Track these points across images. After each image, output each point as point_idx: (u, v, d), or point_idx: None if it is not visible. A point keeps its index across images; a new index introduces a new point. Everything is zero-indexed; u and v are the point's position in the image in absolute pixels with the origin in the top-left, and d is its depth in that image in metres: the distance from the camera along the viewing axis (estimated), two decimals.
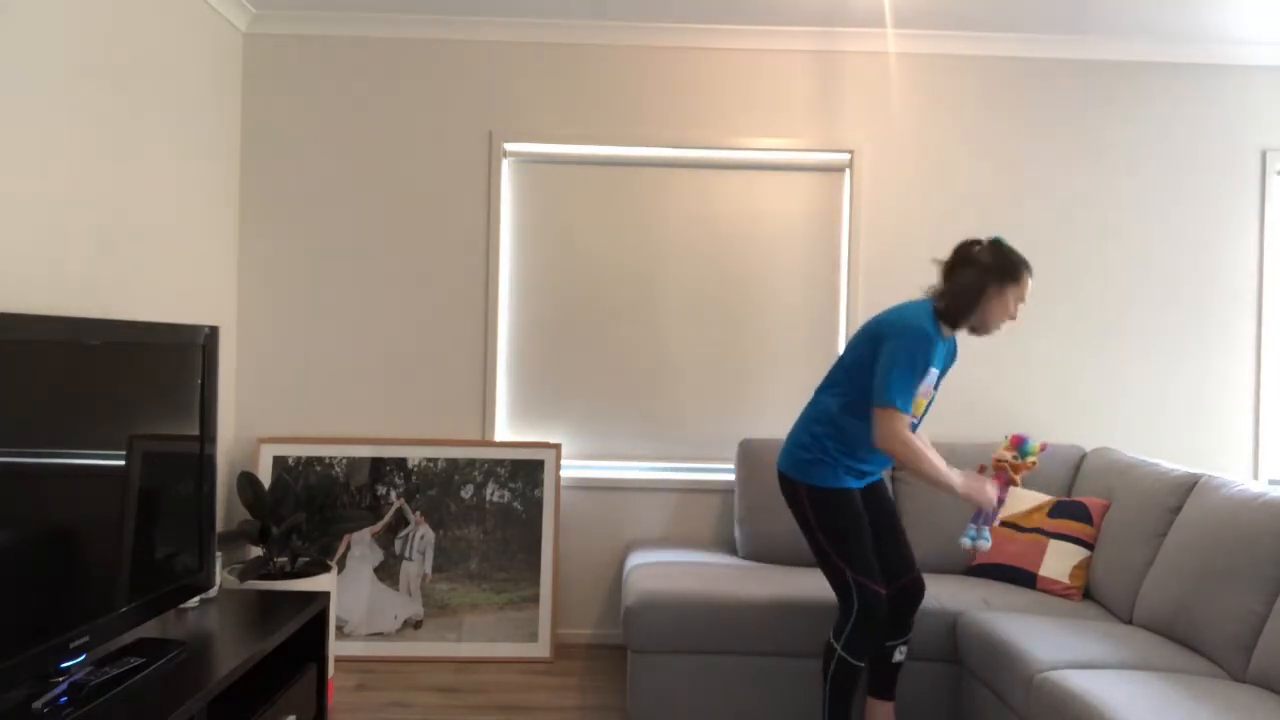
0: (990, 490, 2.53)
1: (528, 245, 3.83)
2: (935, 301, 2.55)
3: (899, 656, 2.70)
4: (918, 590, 2.71)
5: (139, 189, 2.97)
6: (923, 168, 3.82)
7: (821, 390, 2.68)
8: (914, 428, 2.61)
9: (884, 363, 2.45)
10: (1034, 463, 2.70)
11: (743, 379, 3.84)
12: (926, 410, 2.71)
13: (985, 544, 2.59)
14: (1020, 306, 2.53)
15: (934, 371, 2.59)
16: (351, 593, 3.59)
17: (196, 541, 2.45)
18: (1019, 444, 2.87)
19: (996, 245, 2.51)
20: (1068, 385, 3.84)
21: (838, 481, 2.59)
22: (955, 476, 2.52)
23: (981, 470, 2.73)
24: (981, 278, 2.48)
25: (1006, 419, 3.82)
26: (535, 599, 3.62)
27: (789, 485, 2.64)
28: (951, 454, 3.52)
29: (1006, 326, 3.81)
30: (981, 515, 2.61)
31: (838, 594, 2.58)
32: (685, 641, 2.90)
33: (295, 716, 2.52)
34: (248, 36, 3.75)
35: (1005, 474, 2.76)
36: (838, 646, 2.56)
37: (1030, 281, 2.52)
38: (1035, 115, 3.82)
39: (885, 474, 3.52)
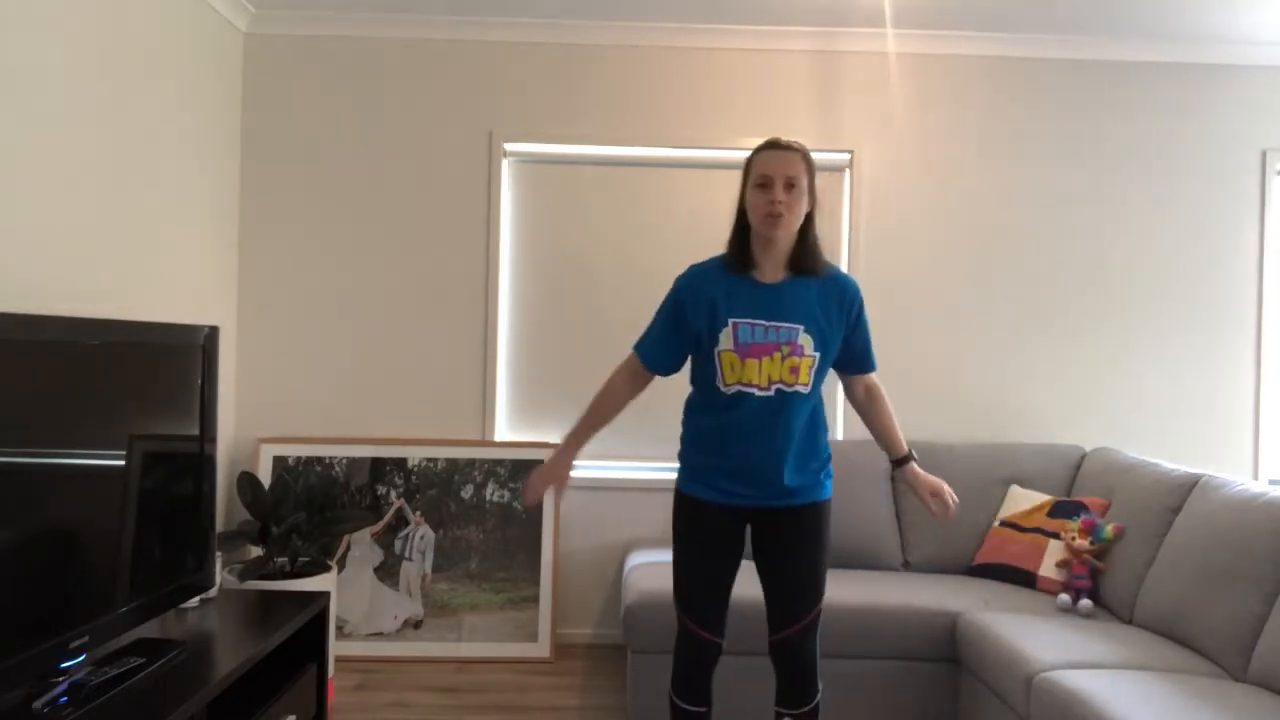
0: (539, 493, 2.25)
1: (528, 245, 3.83)
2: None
3: None
4: (787, 651, 2.18)
5: (139, 189, 2.97)
6: (923, 168, 3.82)
7: None
8: (784, 402, 2.09)
9: None
10: (1109, 544, 2.92)
11: None
12: (813, 383, 2.11)
13: (1086, 604, 2.85)
14: (779, 188, 2.03)
15: (754, 324, 2.08)
16: (351, 593, 3.59)
17: (196, 541, 2.45)
18: (1091, 529, 2.95)
19: None
20: (1068, 385, 3.84)
21: (683, 484, 2.23)
22: (558, 455, 2.25)
23: (1062, 564, 3.01)
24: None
25: (1007, 419, 3.82)
26: (535, 599, 3.62)
27: None
28: (951, 454, 3.52)
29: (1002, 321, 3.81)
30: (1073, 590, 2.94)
31: None
32: None
33: (295, 716, 2.52)
34: (248, 36, 3.75)
35: (1087, 563, 2.95)
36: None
37: (768, 153, 2.07)
38: (1035, 115, 3.82)
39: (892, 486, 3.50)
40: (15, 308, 2.36)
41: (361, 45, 3.78)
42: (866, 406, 2.31)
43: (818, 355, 2.11)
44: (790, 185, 2.04)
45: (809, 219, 2.11)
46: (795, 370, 2.08)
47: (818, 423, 2.21)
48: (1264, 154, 3.83)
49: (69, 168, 2.59)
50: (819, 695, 2.23)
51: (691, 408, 2.23)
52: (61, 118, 2.54)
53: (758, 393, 2.08)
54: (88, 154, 2.67)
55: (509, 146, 3.81)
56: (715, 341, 2.09)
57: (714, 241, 3.81)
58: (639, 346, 2.21)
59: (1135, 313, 3.84)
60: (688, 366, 2.33)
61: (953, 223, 3.83)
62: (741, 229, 2.14)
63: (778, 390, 2.09)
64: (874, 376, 2.31)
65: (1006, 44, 3.78)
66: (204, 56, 3.41)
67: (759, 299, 2.10)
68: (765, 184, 2.05)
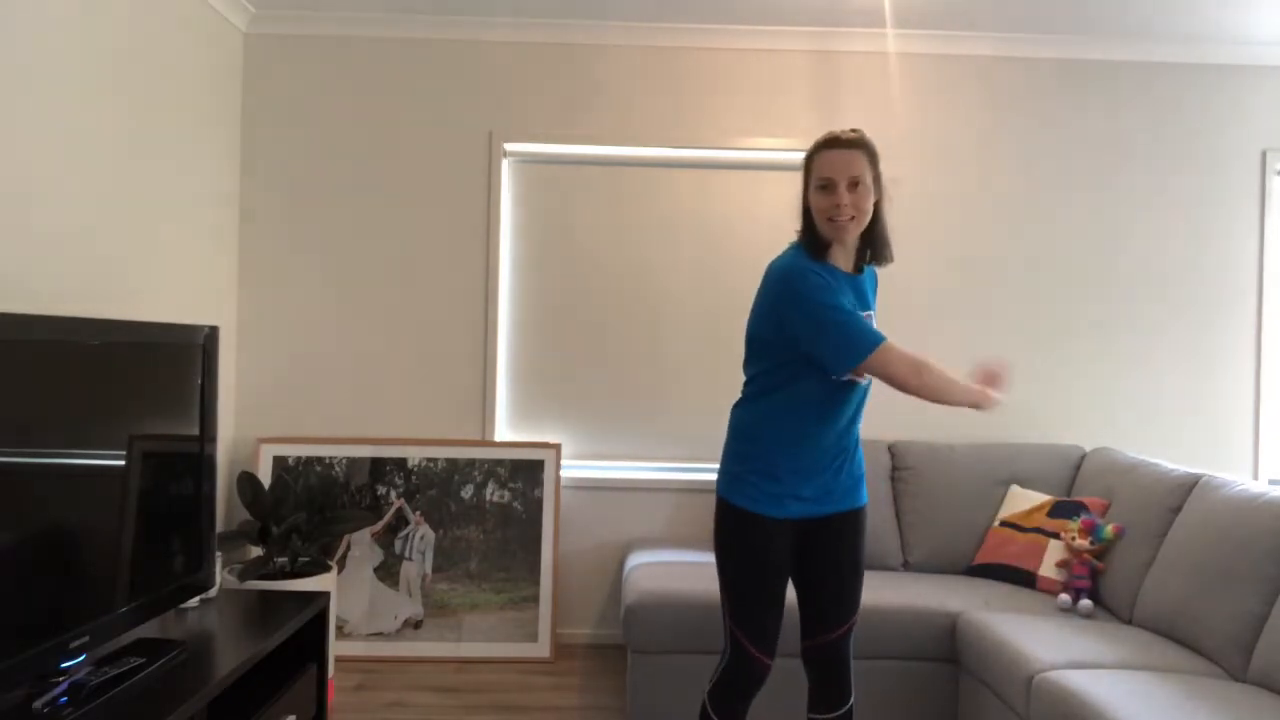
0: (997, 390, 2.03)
1: (528, 245, 3.83)
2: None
3: None
4: (826, 656, 2.15)
5: (139, 189, 2.97)
6: (923, 167, 3.82)
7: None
8: (857, 395, 2.08)
9: (808, 323, 1.95)
10: (1108, 544, 2.95)
11: (742, 378, 3.83)
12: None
13: (1086, 604, 2.87)
14: (843, 190, 1.97)
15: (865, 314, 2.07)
16: (351, 593, 3.59)
17: (196, 541, 2.45)
18: (1091, 529, 2.96)
19: None
20: (1068, 385, 3.84)
21: (748, 502, 2.07)
22: (973, 391, 1.99)
23: (1062, 565, 3.03)
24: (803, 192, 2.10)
25: (1007, 419, 3.82)
26: (535, 599, 3.62)
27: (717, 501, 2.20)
28: (951, 454, 3.52)
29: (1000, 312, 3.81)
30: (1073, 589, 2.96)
31: (723, 631, 2.17)
32: (685, 641, 2.89)
33: (295, 716, 2.52)
34: (248, 36, 3.75)
35: (1087, 563, 2.96)
36: (705, 690, 2.18)
37: (829, 152, 2.00)
38: (1035, 115, 3.82)
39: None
40: (16, 308, 2.36)
41: (361, 45, 3.78)
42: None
43: None
44: (855, 184, 1.96)
45: (877, 208, 2.03)
46: None
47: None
48: (1264, 154, 3.83)
49: (68, 167, 2.58)
50: (853, 699, 2.21)
51: (776, 414, 2.07)
52: (61, 118, 2.54)
53: (859, 380, 2.06)
54: (87, 154, 2.67)
55: (509, 146, 3.81)
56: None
57: (713, 241, 3.83)
58: (878, 336, 1.94)
59: (1135, 312, 3.84)
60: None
61: (952, 223, 3.83)
62: (811, 223, 2.06)
63: (867, 378, 2.08)
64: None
65: (1006, 44, 3.78)
66: (204, 56, 3.41)
67: (853, 290, 2.06)
68: (828, 186, 1.98)
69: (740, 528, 2.08)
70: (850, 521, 2.15)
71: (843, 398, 2.06)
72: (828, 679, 2.17)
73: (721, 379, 3.84)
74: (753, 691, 2.12)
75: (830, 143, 2.00)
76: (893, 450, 3.59)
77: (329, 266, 3.79)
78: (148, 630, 2.37)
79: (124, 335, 2.13)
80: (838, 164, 1.97)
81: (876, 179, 2.01)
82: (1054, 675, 2.31)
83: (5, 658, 1.73)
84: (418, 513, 3.66)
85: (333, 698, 3.16)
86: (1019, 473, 3.48)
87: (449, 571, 3.64)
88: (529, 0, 3.54)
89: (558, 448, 3.72)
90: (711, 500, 3.81)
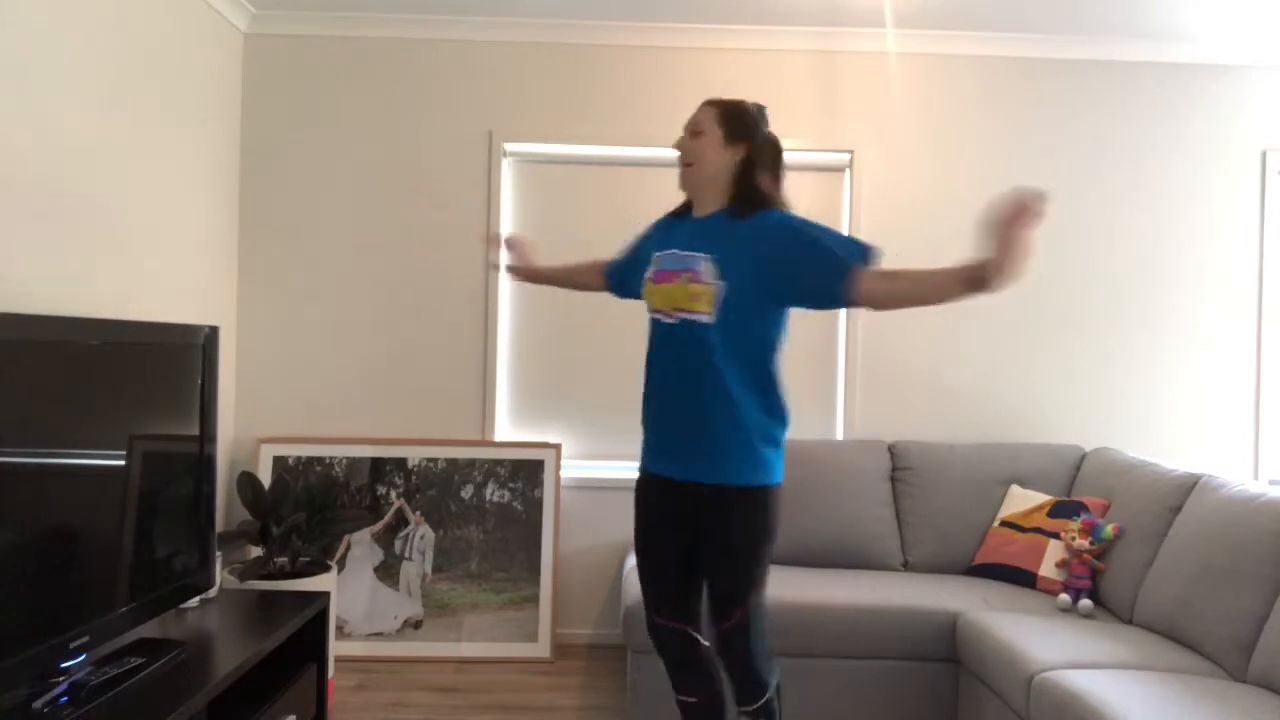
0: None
1: (528, 245, 3.83)
2: None
3: None
4: (719, 645, 2.11)
5: (139, 188, 2.97)
6: (923, 168, 3.82)
7: None
8: (691, 334, 2.02)
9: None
10: (1108, 544, 2.96)
11: None
12: (719, 316, 2.00)
13: (1086, 604, 2.87)
14: (686, 136, 2.12)
15: (671, 254, 2.08)
16: (351, 593, 3.59)
17: (196, 541, 2.45)
18: (1091, 528, 2.97)
19: None
20: (1068, 385, 3.84)
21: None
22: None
23: (1062, 565, 3.03)
24: None
25: (1007, 419, 3.82)
26: (535, 599, 3.62)
27: None
28: (951, 454, 3.51)
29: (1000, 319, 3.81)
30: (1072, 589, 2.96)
31: None
32: None
33: (295, 716, 2.52)
34: (248, 36, 3.75)
35: (1087, 563, 2.96)
36: None
37: None
38: (1035, 115, 3.82)
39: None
40: (16, 308, 2.36)
41: (361, 45, 3.78)
42: (892, 291, 1.89)
43: (720, 285, 1.98)
44: (695, 133, 2.09)
45: (746, 165, 2.08)
46: (695, 297, 1.99)
47: (751, 385, 2.01)
48: (1264, 154, 3.83)
49: (68, 167, 2.59)
50: (769, 693, 2.13)
51: None
52: (61, 117, 2.54)
53: (664, 319, 2.07)
54: (87, 154, 2.67)
55: (509, 146, 3.81)
56: (648, 272, 2.15)
57: None
58: (609, 262, 2.46)
59: (1135, 312, 3.84)
60: None
61: (952, 223, 3.83)
62: None
63: (682, 320, 2.02)
64: (878, 270, 1.93)
65: (1006, 44, 3.78)
66: (204, 56, 3.41)
67: (686, 232, 2.13)
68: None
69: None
70: (709, 498, 2.01)
71: (661, 333, 2.09)
72: (729, 672, 2.12)
73: None
74: (673, 660, 2.16)
75: None
76: (893, 450, 3.59)
77: (329, 266, 3.79)
78: (148, 630, 2.37)
79: (124, 335, 2.13)
80: (690, 119, 2.14)
81: (733, 135, 2.08)
82: (1054, 675, 2.31)
83: (5, 657, 1.73)
84: (418, 513, 3.66)
85: (333, 698, 3.16)
86: (1019, 473, 3.48)
87: (449, 571, 3.64)
88: (529, 0, 3.54)
89: (558, 448, 3.72)
90: None
